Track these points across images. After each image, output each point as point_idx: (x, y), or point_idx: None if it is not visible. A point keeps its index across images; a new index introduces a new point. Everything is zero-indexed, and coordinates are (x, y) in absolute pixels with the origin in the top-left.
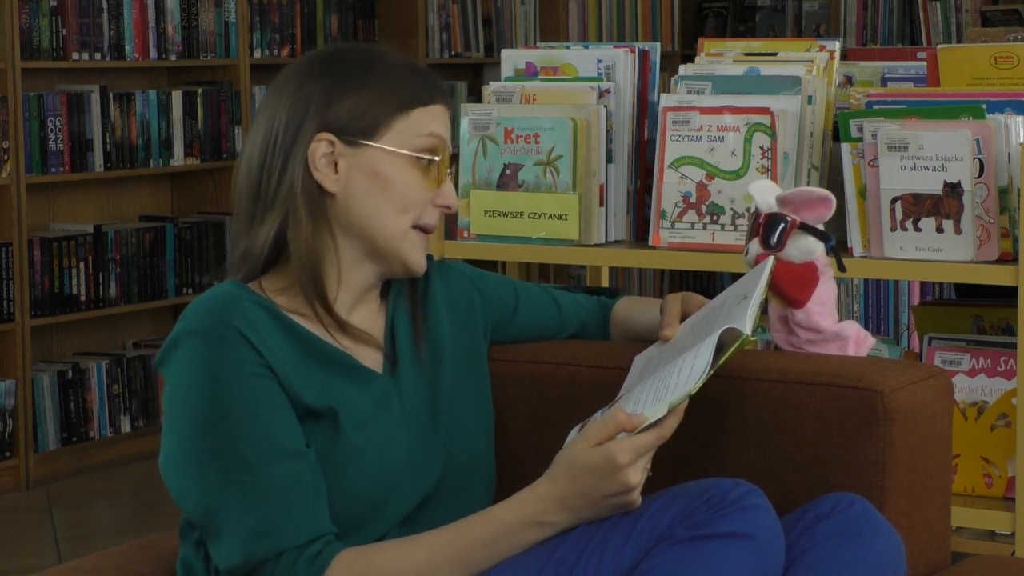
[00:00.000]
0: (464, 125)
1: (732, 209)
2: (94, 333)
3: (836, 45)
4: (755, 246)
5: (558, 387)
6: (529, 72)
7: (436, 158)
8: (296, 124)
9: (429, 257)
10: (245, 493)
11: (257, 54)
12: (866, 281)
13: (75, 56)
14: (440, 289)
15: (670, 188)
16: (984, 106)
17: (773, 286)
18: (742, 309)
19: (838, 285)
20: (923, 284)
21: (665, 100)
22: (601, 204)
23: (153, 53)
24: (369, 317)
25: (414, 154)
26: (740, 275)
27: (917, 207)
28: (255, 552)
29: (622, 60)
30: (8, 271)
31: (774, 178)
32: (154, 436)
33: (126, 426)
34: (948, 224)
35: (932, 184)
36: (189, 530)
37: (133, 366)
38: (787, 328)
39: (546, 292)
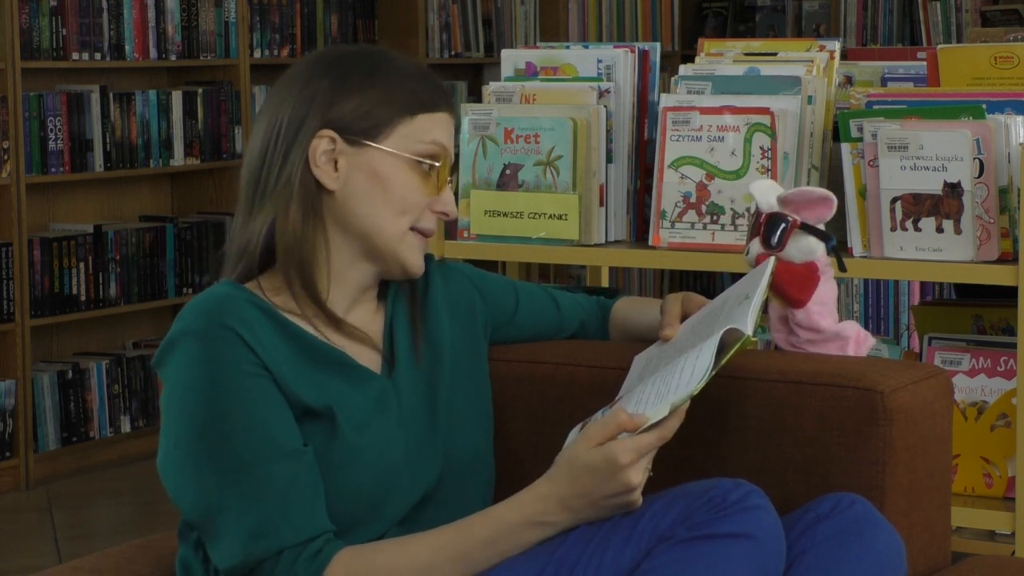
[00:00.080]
0: (464, 125)
1: (732, 209)
2: (94, 333)
3: (836, 45)
4: (756, 246)
5: (558, 387)
6: (529, 72)
7: (436, 164)
8: (299, 120)
9: (430, 257)
10: (243, 493)
11: (257, 54)
12: (866, 281)
13: (75, 56)
14: (440, 289)
15: (670, 188)
16: (984, 106)
17: (773, 286)
18: (743, 310)
19: (838, 285)
20: (923, 284)
21: (665, 100)
22: (601, 204)
23: (153, 53)
24: (367, 317)
25: (415, 158)
26: (740, 275)
27: (917, 207)
28: (254, 552)
29: (622, 60)
30: (8, 271)
31: (774, 178)
32: (154, 436)
33: (126, 426)
34: (948, 224)
35: (932, 184)
36: (187, 530)
37: (133, 366)
38: (787, 328)
39: (546, 292)
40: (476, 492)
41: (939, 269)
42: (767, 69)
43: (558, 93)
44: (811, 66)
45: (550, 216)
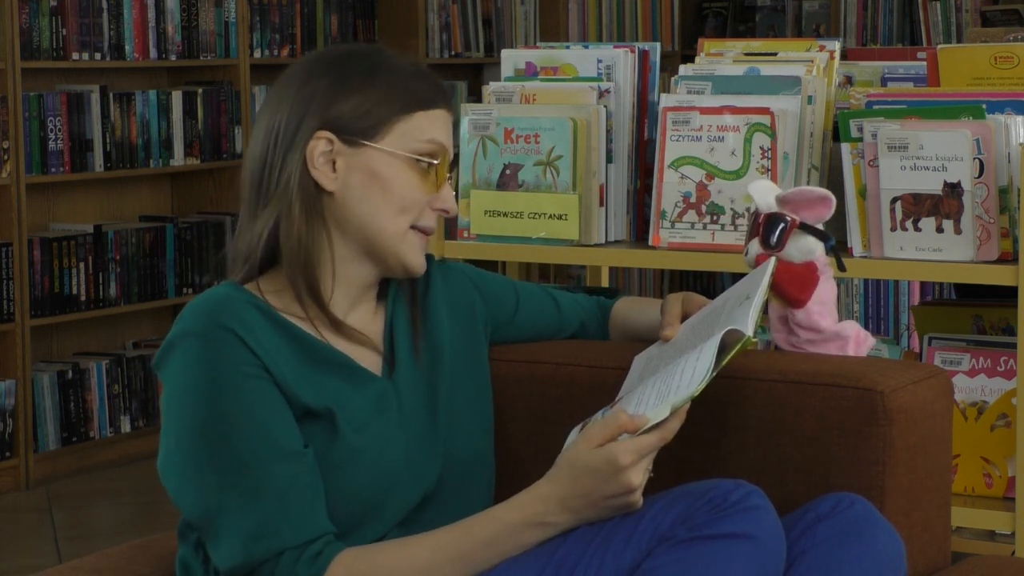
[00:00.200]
0: (464, 125)
1: (732, 209)
2: (94, 333)
3: (836, 45)
4: (755, 246)
5: (558, 387)
6: (529, 72)
7: (435, 162)
8: (297, 121)
9: (430, 257)
10: (243, 494)
11: (257, 54)
12: (866, 281)
13: (75, 56)
14: (440, 289)
15: (670, 188)
16: (984, 106)
17: (773, 286)
18: (744, 310)
19: (838, 285)
20: (923, 284)
21: (665, 100)
22: (601, 204)
23: (153, 53)
24: (367, 318)
25: (413, 157)
26: (740, 275)
27: (917, 207)
28: (254, 553)
29: (622, 60)
30: (8, 271)
31: (774, 178)
32: (154, 436)
33: (126, 426)
34: (948, 224)
35: (932, 184)
36: (187, 530)
37: (133, 366)
38: (787, 328)
39: (546, 292)
40: (476, 492)
41: (939, 269)
42: (767, 69)
43: (558, 93)
44: (811, 66)
45: (550, 216)
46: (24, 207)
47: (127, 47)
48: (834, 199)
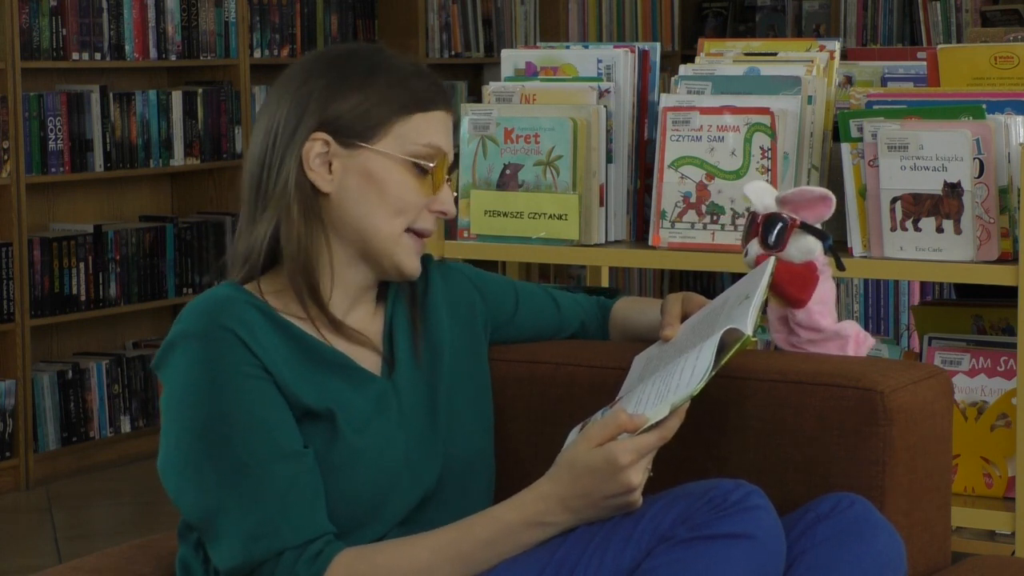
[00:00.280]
0: (464, 125)
1: (732, 209)
2: (94, 333)
3: (836, 45)
4: (755, 247)
5: (558, 387)
6: (529, 72)
7: (431, 165)
8: (294, 122)
9: (429, 257)
10: (243, 494)
11: (257, 54)
12: (866, 281)
13: (75, 56)
14: (440, 289)
15: (670, 188)
16: (984, 106)
17: (774, 286)
18: (743, 310)
19: (838, 285)
20: (923, 284)
21: (665, 100)
22: (601, 204)
23: (153, 53)
24: (366, 319)
25: (410, 159)
26: (740, 275)
27: (917, 207)
28: (255, 553)
29: (622, 60)
30: (8, 271)
31: (774, 178)
32: (154, 436)
33: (126, 426)
34: (948, 224)
35: (932, 184)
36: (187, 530)
37: (133, 366)
38: (787, 328)
39: (545, 292)
40: (476, 492)
41: (939, 269)
42: (767, 69)
43: (558, 93)
44: (811, 66)
45: (550, 216)
46: (24, 207)
47: (127, 47)
48: (834, 198)
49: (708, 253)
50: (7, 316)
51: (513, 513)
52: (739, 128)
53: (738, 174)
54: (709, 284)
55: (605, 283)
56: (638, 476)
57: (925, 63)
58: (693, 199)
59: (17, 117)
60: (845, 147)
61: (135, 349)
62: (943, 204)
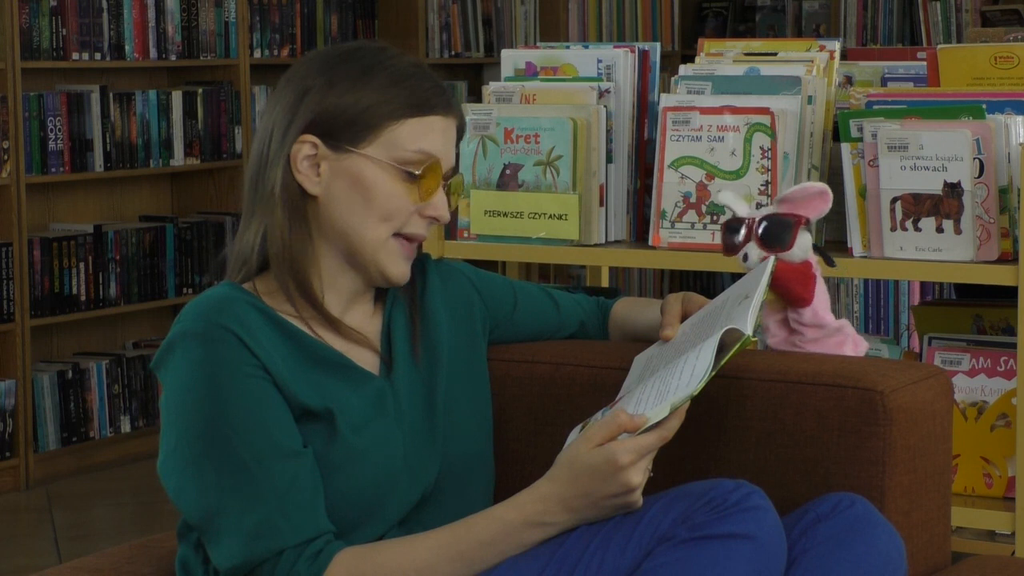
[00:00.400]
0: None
1: (732, 209)
2: (94, 333)
3: (836, 45)
4: (755, 250)
5: (558, 387)
6: (529, 72)
7: (417, 173)
8: (286, 123)
9: (427, 256)
10: (243, 494)
11: (257, 54)
12: (866, 281)
13: (75, 56)
14: (438, 288)
15: (670, 188)
16: (984, 106)
17: (781, 287)
18: (743, 309)
19: (837, 285)
20: (923, 284)
21: (665, 100)
22: (601, 204)
23: (153, 53)
24: (365, 318)
25: (398, 166)
26: (740, 275)
27: (917, 207)
28: (255, 552)
29: (622, 60)
30: (8, 271)
31: (774, 178)
32: (154, 436)
33: (126, 426)
34: (948, 224)
35: (932, 184)
36: (187, 530)
37: (133, 366)
38: (787, 330)
39: (544, 292)
40: (476, 492)
41: (939, 269)
42: (767, 69)
43: (558, 93)
44: (811, 66)
45: (550, 216)
46: (24, 207)
47: (127, 47)
48: (831, 192)
49: (708, 253)
50: (7, 316)
51: (513, 513)
52: (739, 128)
53: (738, 174)
54: (709, 284)
55: (605, 283)
56: (638, 476)
57: (925, 63)
58: (693, 199)
59: (17, 117)
60: (845, 147)
61: (135, 349)
62: (943, 204)
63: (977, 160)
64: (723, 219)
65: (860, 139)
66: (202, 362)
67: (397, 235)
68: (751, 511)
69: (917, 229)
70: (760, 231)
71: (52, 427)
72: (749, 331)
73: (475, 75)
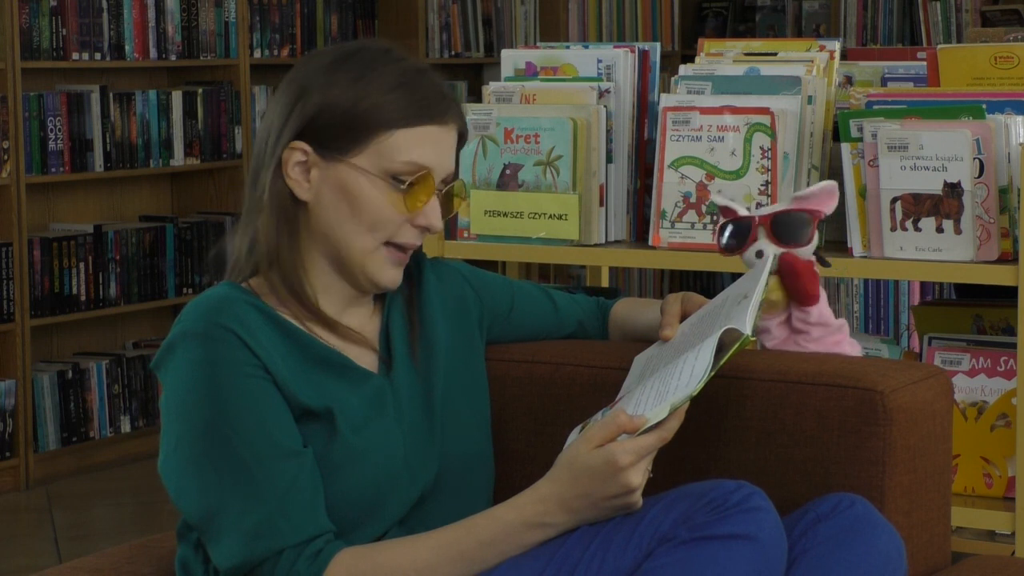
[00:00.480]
0: None
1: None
2: (94, 333)
3: (836, 45)
4: (769, 247)
5: (558, 387)
6: (529, 72)
7: (405, 184)
8: (279, 128)
9: (424, 255)
10: (244, 493)
11: (257, 54)
12: (866, 281)
13: (75, 56)
14: (435, 287)
15: (670, 188)
16: (984, 106)
17: (793, 284)
18: (742, 309)
19: (837, 285)
20: (923, 284)
21: (665, 100)
22: (601, 204)
23: (153, 53)
24: (363, 319)
25: (387, 178)
26: (740, 275)
27: (917, 207)
28: (255, 552)
29: (622, 60)
30: (8, 271)
31: (774, 178)
32: (154, 436)
33: (126, 426)
34: (948, 224)
35: (932, 184)
36: (187, 530)
37: (133, 366)
38: (788, 329)
39: (542, 291)
40: (476, 491)
41: (939, 269)
42: (767, 69)
43: (558, 93)
44: (811, 66)
45: (550, 216)
46: (24, 207)
47: (127, 47)
48: (838, 189)
49: (708, 253)
50: (7, 316)
51: (513, 513)
52: (739, 128)
53: (738, 174)
54: (709, 284)
55: (605, 283)
56: (638, 477)
57: (925, 63)
58: (693, 199)
59: (17, 117)
60: (845, 147)
61: (135, 349)
62: (943, 204)
63: (977, 160)
64: (720, 221)
65: (860, 139)
66: (202, 362)
67: (388, 244)
68: (752, 512)
69: (917, 229)
70: (777, 227)
71: (52, 427)
72: (748, 331)
73: (475, 75)
